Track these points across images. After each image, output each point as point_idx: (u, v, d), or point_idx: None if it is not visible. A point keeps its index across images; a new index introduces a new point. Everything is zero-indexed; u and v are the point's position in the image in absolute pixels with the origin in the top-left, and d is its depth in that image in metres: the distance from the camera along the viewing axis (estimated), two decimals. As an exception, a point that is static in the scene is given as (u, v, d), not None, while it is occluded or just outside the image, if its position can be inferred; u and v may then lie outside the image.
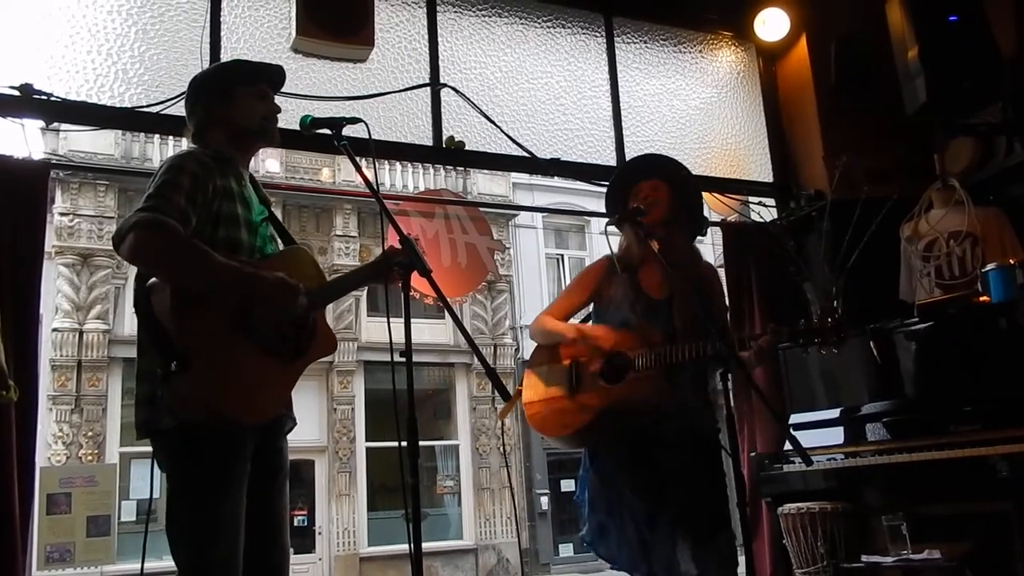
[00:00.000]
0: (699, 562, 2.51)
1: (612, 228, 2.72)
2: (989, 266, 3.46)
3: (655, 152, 3.44)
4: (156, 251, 1.96)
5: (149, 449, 2.09)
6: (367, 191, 2.31)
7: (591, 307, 2.92)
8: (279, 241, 2.39)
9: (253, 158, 2.48)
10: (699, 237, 2.92)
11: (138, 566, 1.97)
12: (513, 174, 15.07)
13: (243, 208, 2.20)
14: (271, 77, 2.40)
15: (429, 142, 4.06)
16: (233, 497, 2.01)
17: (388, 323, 2.22)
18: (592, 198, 13.89)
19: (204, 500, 1.99)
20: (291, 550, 2.24)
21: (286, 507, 2.26)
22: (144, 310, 1.99)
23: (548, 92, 4.45)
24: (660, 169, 2.88)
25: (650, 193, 2.76)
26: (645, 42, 4.81)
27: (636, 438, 2.63)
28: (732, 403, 2.47)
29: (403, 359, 2.10)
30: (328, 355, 2.27)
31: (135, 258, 1.98)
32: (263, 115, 2.32)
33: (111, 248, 2.12)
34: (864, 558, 3.26)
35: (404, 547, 2.61)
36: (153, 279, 1.99)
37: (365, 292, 13.46)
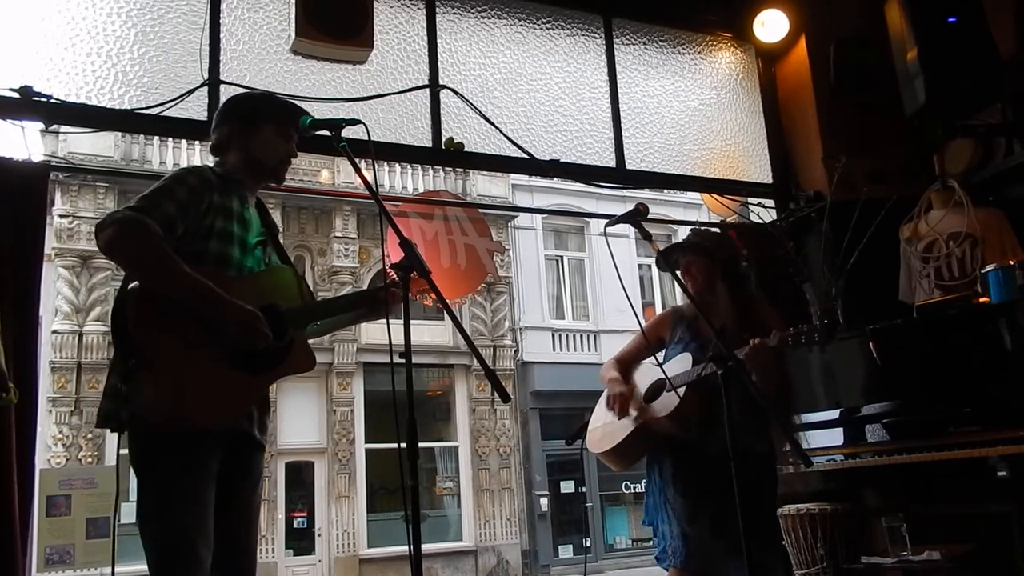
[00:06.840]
0: (733, 571, 2.62)
1: (613, 229, 2.75)
2: (989, 267, 3.45)
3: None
4: (129, 247, 2.03)
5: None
6: (366, 193, 2.32)
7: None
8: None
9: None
10: (749, 276, 3.03)
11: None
12: (512, 175, 15.09)
13: (240, 227, 2.26)
14: (299, 120, 2.42)
15: (428, 143, 4.06)
16: (193, 500, 2.03)
17: (388, 324, 2.22)
18: (591, 199, 13.91)
19: (164, 503, 2.03)
20: (271, 554, 2.27)
21: (254, 519, 2.29)
22: (117, 308, 2.05)
23: (547, 93, 4.45)
24: (683, 248, 3.07)
25: (686, 271, 3.01)
26: (644, 43, 4.81)
27: (676, 448, 2.88)
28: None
29: (403, 360, 2.11)
30: (304, 371, 2.28)
31: (109, 250, 2.03)
32: (281, 157, 2.40)
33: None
34: (864, 559, 3.26)
35: (404, 549, 2.61)
36: (135, 283, 2.04)
37: (365, 294, 13.43)
